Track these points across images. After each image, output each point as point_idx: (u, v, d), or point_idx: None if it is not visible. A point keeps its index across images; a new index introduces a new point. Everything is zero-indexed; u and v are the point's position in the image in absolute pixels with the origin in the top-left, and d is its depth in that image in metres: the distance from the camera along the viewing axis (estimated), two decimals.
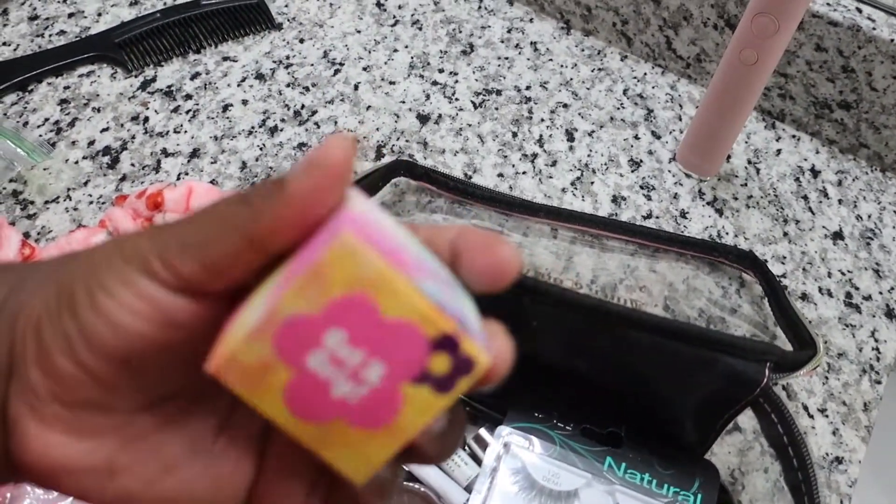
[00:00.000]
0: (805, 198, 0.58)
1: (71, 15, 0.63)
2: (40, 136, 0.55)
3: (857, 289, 0.53)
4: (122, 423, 0.21)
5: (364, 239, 0.17)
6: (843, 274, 0.54)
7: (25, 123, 0.56)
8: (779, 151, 0.61)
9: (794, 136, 0.63)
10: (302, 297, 0.17)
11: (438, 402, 0.18)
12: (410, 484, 0.41)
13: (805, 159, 0.61)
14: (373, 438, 0.19)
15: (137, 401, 0.21)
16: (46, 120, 0.56)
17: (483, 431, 0.43)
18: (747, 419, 0.46)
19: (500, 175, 0.57)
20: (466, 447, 0.43)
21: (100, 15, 0.64)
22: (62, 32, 0.62)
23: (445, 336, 0.18)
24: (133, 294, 0.19)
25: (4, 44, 0.61)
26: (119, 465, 0.21)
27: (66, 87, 0.59)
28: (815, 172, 0.60)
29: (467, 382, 0.18)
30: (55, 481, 0.20)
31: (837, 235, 0.56)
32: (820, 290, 0.53)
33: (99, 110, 0.57)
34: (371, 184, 0.50)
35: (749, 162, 0.60)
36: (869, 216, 0.58)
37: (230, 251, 0.18)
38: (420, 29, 0.66)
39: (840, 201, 0.59)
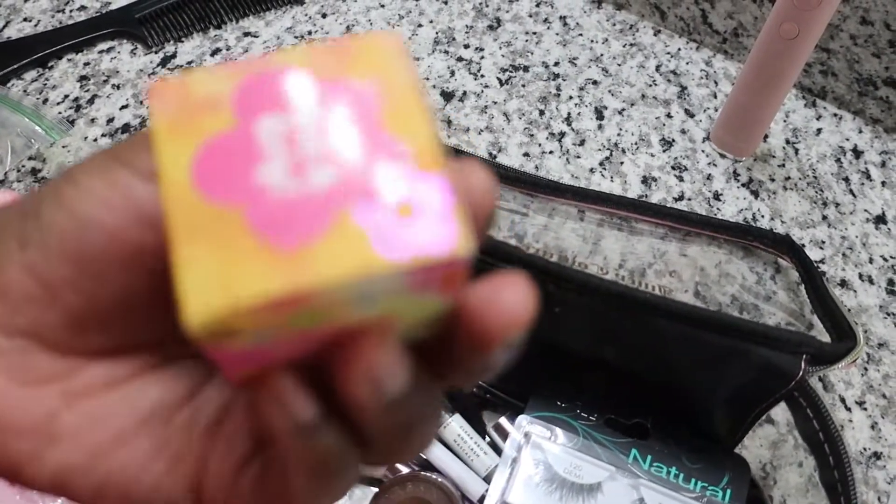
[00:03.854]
0: (846, 179, 0.56)
1: None
2: (59, 113, 0.54)
3: None
4: (69, 369, 0.18)
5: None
6: (885, 260, 0.52)
7: (45, 100, 0.55)
8: (819, 131, 0.59)
9: (835, 115, 0.60)
10: (308, 56, 0.15)
11: (374, 262, 0.13)
12: (427, 474, 0.40)
13: (847, 139, 0.58)
14: (260, 259, 0.13)
15: (93, 340, 0.18)
16: (66, 97, 0.56)
17: (503, 420, 0.42)
18: (781, 410, 0.44)
19: (526, 154, 0.55)
20: (486, 436, 0.42)
21: None
22: (83, 8, 0.61)
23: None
24: (105, 182, 0.17)
25: (25, 19, 0.60)
26: (62, 427, 0.17)
27: (87, 64, 0.58)
28: (857, 153, 0.58)
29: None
30: None
31: (880, 219, 0.54)
32: (860, 276, 0.51)
33: (118, 87, 0.57)
34: None
35: (787, 142, 0.58)
36: None
37: None
38: (445, 3, 0.64)
39: (884, 183, 0.56)
